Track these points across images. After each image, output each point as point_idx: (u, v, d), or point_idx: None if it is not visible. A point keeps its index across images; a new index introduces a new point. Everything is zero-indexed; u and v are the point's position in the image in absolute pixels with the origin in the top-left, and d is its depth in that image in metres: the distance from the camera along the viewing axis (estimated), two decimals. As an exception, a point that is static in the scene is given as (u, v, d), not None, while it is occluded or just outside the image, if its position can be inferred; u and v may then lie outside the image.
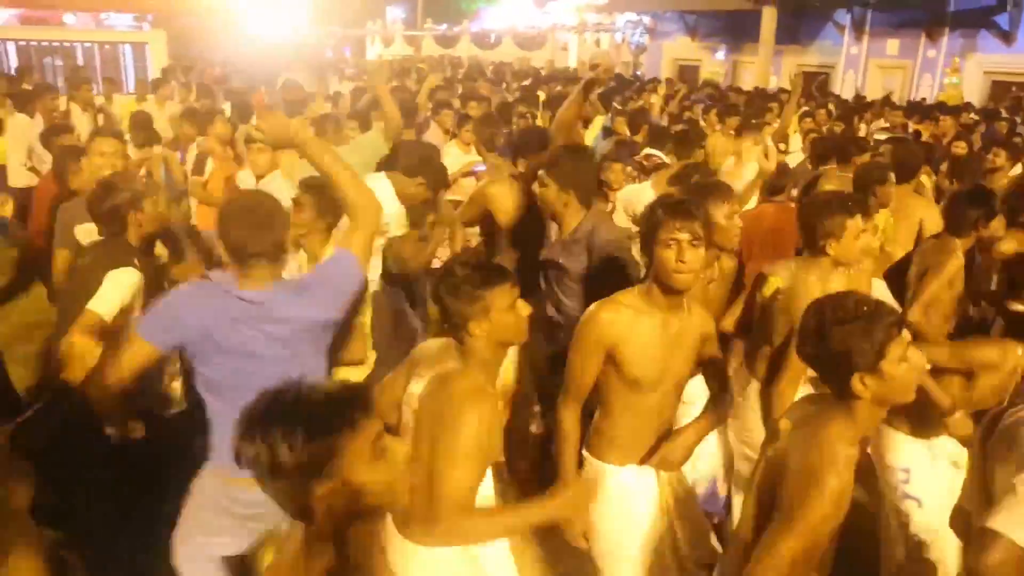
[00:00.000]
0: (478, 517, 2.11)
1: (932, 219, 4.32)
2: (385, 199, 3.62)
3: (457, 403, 2.03)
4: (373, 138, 4.52)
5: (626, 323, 2.40)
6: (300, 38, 18.22)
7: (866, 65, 17.72)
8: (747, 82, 17.11)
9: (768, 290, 3.00)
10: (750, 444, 3.02)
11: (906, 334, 1.86)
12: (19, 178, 6.84)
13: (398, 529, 2.16)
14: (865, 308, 1.82)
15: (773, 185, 4.53)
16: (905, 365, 1.83)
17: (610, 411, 2.56)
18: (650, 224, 2.36)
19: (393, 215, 3.75)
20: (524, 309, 2.18)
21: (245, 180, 4.89)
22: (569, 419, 2.55)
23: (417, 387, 2.21)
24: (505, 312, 2.12)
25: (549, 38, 27.96)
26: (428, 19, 30.16)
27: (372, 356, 3.27)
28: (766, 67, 17.39)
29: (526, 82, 14.40)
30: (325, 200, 3.12)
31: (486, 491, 2.33)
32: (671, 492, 2.63)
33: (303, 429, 1.29)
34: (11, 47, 13.09)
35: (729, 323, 3.38)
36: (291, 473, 1.29)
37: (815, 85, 13.91)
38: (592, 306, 2.48)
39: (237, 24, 15.96)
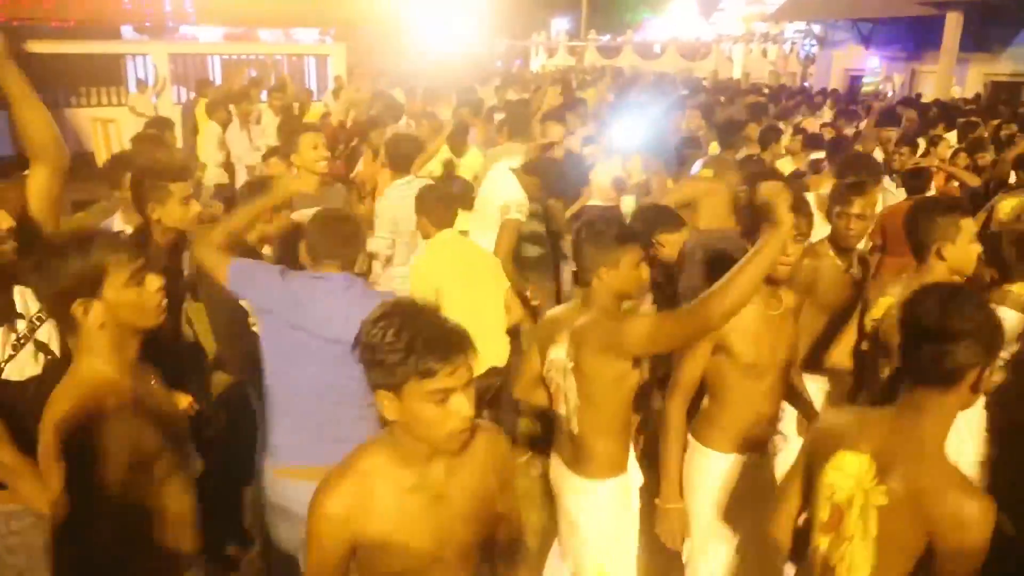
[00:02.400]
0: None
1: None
2: (508, 185, 4.06)
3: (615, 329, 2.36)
4: None
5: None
6: (470, 49, 19.15)
7: (1070, 73, 16.13)
8: (927, 93, 16.06)
9: (878, 312, 2.78)
10: None
11: None
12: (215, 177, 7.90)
13: (568, 467, 2.57)
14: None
15: (911, 185, 4.46)
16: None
17: (723, 399, 2.63)
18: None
19: (515, 200, 4.06)
20: (646, 271, 2.48)
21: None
22: (678, 411, 2.61)
23: (559, 351, 2.52)
24: (631, 268, 2.43)
25: (714, 49, 27.51)
26: (591, 30, 30.53)
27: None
28: (948, 77, 16.26)
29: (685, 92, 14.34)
30: None
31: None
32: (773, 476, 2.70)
33: (396, 336, 1.50)
34: (216, 61, 14.84)
35: (841, 355, 3.01)
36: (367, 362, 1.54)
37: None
38: None
39: (412, 36, 17.06)
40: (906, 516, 1.62)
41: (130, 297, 1.82)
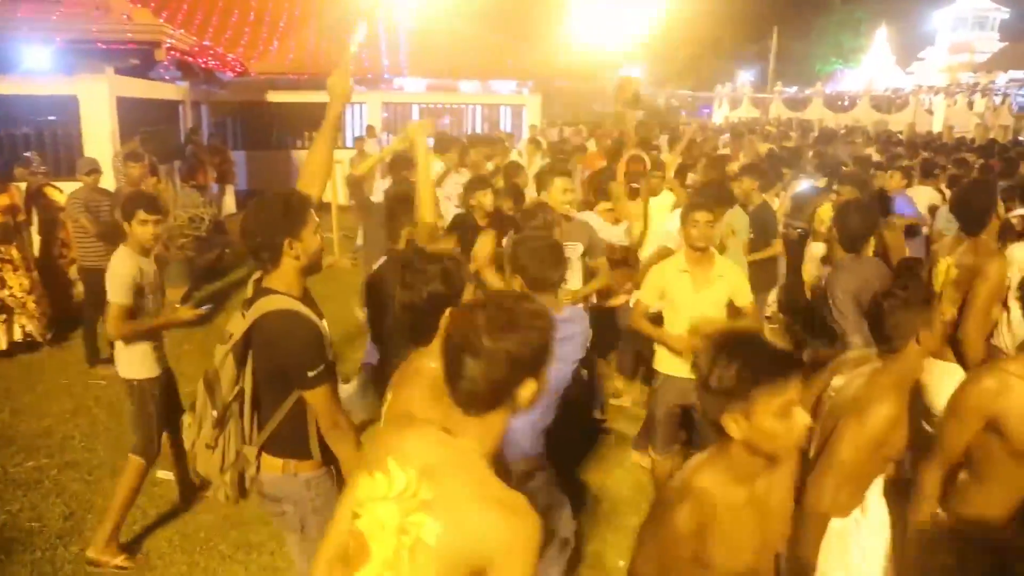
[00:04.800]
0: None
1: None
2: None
3: (877, 392, 2.39)
4: None
5: (1014, 393, 2.26)
6: (652, 99, 19.69)
7: None
8: None
9: None
10: None
11: None
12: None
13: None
14: None
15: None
16: None
17: (983, 479, 2.40)
18: None
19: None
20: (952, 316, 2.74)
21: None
22: (933, 481, 2.42)
23: (839, 380, 2.61)
24: (939, 322, 2.61)
25: (911, 100, 26.22)
26: (778, 82, 30.07)
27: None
28: None
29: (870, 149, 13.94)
30: None
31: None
32: None
33: (740, 364, 1.66)
34: (415, 108, 16.40)
35: None
36: (714, 392, 1.69)
37: None
38: (975, 371, 2.45)
39: (601, 88, 17.88)
40: None
41: None
